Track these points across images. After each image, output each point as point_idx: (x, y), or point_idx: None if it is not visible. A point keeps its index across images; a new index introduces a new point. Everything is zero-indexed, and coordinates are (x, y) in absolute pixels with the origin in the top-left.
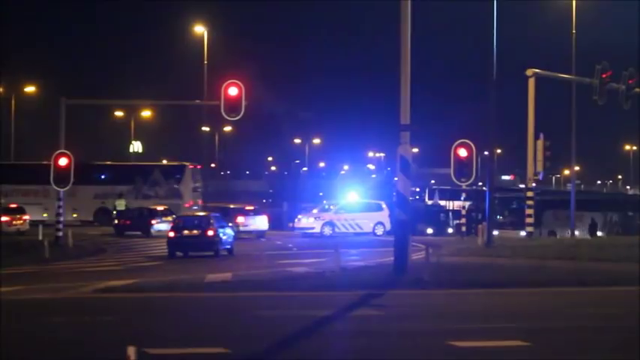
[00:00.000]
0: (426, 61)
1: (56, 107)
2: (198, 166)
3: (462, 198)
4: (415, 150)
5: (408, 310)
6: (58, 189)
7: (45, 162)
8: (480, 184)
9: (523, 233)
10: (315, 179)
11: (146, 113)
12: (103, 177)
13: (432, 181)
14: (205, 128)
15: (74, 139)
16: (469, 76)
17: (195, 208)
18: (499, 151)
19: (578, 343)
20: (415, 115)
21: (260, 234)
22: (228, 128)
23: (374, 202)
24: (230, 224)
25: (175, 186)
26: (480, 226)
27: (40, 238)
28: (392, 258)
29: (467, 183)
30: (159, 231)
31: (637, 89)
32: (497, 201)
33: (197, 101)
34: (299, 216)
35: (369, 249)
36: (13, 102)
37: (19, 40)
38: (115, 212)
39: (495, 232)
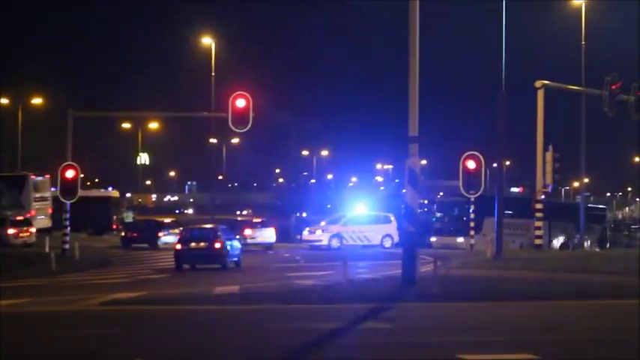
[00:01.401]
0: (434, 73)
1: (63, 119)
2: (47, 176)
3: (471, 210)
4: (424, 162)
5: (417, 323)
6: (65, 201)
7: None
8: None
9: (461, 240)
10: (323, 191)
11: (153, 125)
12: None
13: (441, 193)
14: (213, 140)
15: (81, 150)
16: (478, 88)
17: (42, 217)
18: (508, 162)
19: (587, 355)
20: (424, 127)
21: (268, 246)
22: (235, 140)
23: (382, 214)
24: (238, 236)
25: (17, 196)
26: (489, 238)
27: (47, 250)
28: (400, 270)
29: (475, 195)
30: (166, 243)
31: None
32: (437, 206)
33: (204, 113)
34: (307, 228)
35: (377, 261)
36: (19, 113)
37: (27, 52)
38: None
39: (433, 239)
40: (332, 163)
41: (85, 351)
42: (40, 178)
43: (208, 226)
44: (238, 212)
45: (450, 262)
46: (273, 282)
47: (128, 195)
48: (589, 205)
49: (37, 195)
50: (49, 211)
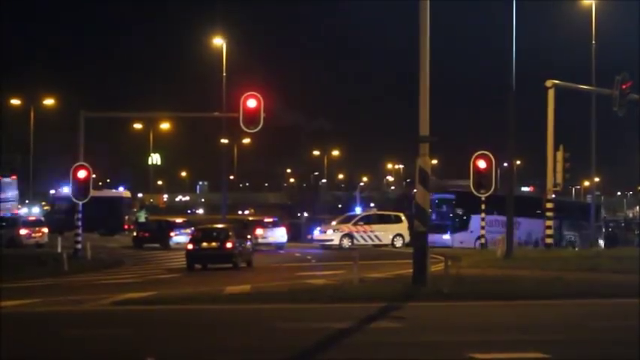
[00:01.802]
0: (445, 74)
1: (75, 120)
2: (13, 177)
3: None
4: (434, 161)
5: (428, 322)
6: (78, 201)
7: None
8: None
9: (447, 236)
10: (334, 191)
11: (165, 125)
12: None
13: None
14: (224, 140)
15: (93, 151)
16: (489, 88)
17: (9, 215)
18: (518, 162)
19: (596, 355)
20: (434, 126)
21: (279, 246)
22: (246, 140)
23: (393, 213)
24: (249, 236)
25: None
26: (499, 237)
27: (59, 250)
28: (411, 270)
29: (486, 194)
30: (177, 243)
31: None
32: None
33: (216, 113)
34: (317, 228)
35: (388, 261)
36: (31, 114)
37: (39, 53)
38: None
39: None
40: (343, 163)
41: (97, 351)
42: (7, 180)
43: (220, 226)
44: (240, 212)
45: (461, 262)
46: (285, 281)
47: (140, 195)
48: (576, 201)
49: (2, 196)
50: (15, 212)
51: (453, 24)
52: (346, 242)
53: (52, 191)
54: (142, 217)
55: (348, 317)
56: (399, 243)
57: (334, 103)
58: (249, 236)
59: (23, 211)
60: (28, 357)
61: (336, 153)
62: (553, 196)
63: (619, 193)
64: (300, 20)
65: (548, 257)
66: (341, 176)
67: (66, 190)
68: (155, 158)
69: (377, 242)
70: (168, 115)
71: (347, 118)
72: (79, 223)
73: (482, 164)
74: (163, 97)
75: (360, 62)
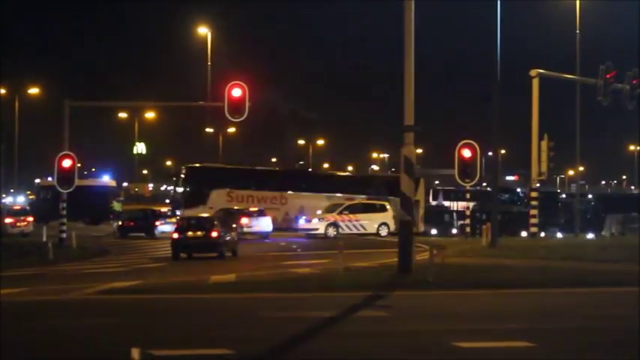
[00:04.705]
0: (430, 63)
1: (60, 109)
2: None
3: (467, 199)
4: (419, 151)
5: (413, 311)
6: (62, 190)
7: None
8: (484, 184)
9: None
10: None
11: (150, 115)
12: None
13: (436, 182)
14: (209, 129)
15: (78, 140)
16: (473, 77)
17: None
18: (503, 151)
19: (583, 343)
20: (419, 115)
21: (264, 235)
22: (231, 129)
23: (378, 202)
24: (234, 225)
25: None
26: (484, 226)
27: (44, 239)
28: (396, 259)
29: (471, 184)
30: (163, 232)
31: None
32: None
33: (200, 103)
34: (303, 217)
35: (374, 250)
36: (16, 103)
37: (23, 42)
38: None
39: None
40: (328, 152)
41: (82, 340)
42: None
43: (205, 215)
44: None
45: (446, 250)
46: (270, 270)
47: (125, 184)
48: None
49: None
50: None
51: (440, 12)
52: (331, 231)
53: (37, 180)
54: (118, 207)
55: (334, 306)
56: (384, 232)
57: (319, 91)
58: (234, 225)
59: (8, 200)
60: (14, 346)
61: (321, 142)
62: (537, 185)
63: (603, 182)
64: (285, 9)
65: (534, 246)
66: (326, 165)
67: (51, 179)
68: (140, 147)
69: (362, 231)
70: (154, 104)
71: (332, 106)
72: (64, 212)
73: (467, 153)
74: (149, 86)
75: (346, 51)
